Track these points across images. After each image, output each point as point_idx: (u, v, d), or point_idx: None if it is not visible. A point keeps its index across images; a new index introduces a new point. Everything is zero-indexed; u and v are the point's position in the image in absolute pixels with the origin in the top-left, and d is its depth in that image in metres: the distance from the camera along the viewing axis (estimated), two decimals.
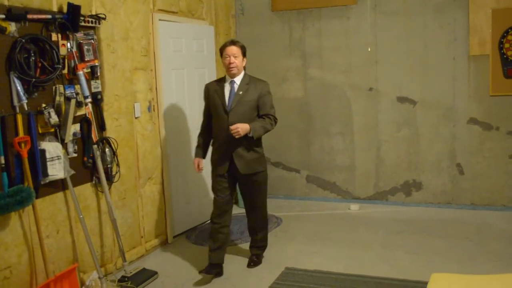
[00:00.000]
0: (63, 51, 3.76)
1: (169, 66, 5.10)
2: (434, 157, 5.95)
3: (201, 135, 4.41)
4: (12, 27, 3.39)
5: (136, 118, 4.63)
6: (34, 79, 3.48)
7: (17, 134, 3.42)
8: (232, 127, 3.93)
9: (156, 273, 4.30)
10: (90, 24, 4.03)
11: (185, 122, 5.39)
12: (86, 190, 4.08)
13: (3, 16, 3.30)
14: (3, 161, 3.29)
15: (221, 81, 4.28)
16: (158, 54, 4.92)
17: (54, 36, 3.71)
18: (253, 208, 4.41)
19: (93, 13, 4.11)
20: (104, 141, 4.18)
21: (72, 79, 3.87)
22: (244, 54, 4.21)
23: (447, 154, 5.90)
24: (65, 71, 3.79)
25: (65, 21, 3.75)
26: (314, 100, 6.38)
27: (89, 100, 3.92)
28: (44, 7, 3.67)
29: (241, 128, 3.93)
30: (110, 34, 4.30)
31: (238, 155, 4.12)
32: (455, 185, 5.90)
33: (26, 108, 3.45)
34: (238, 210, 6.22)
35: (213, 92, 4.23)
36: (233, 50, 4.11)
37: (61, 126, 3.75)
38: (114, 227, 4.18)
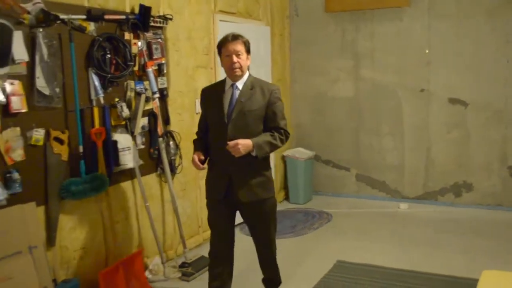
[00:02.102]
0: (134, 49, 4.04)
1: None
2: (485, 159, 5.98)
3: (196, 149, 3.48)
4: (91, 26, 3.68)
5: (197, 113, 4.87)
6: (109, 75, 3.76)
7: (93, 125, 3.71)
8: (230, 143, 3.08)
9: None
10: (158, 24, 4.30)
11: None
12: (151, 179, 4.35)
13: (84, 17, 3.58)
14: (81, 150, 3.58)
15: (220, 85, 3.38)
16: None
17: (126, 35, 3.99)
18: (259, 242, 3.55)
19: (161, 13, 4.37)
20: (169, 134, 4.44)
21: (142, 76, 4.14)
22: (248, 51, 3.30)
23: (498, 156, 5.91)
24: (136, 68, 4.07)
25: (137, 21, 4.02)
26: (365, 100, 6.49)
27: (157, 95, 4.19)
28: (118, 8, 3.95)
29: (241, 145, 3.07)
30: (175, 34, 4.56)
31: (238, 177, 3.24)
32: (506, 187, 5.91)
33: (102, 102, 3.74)
34: (289, 206, 6.42)
35: (209, 98, 3.40)
36: (236, 46, 3.21)
37: (131, 119, 4.02)
38: (176, 215, 4.43)
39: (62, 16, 3.37)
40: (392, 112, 6.36)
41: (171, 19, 4.41)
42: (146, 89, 4.14)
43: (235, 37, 3.25)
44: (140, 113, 4.05)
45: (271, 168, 3.45)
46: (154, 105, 4.24)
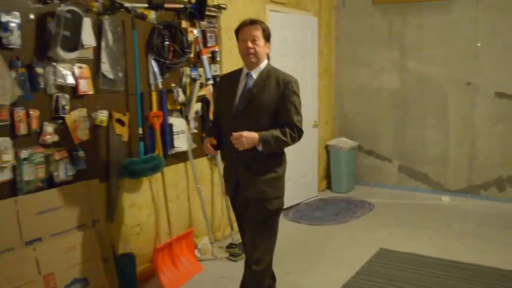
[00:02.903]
0: (190, 37, 4.21)
1: (276, 54, 5.41)
2: None
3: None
4: (151, 15, 3.86)
5: None
6: (167, 61, 3.95)
7: (151, 109, 3.90)
8: (234, 135, 2.84)
9: None
10: (213, 13, 4.46)
11: None
12: (202, 163, 4.53)
13: (146, 5, 3.76)
14: (140, 132, 3.78)
15: (236, 73, 3.13)
16: None
17: (183, 24, 4.16)
18: (249, 250, 3.08)
19: (216, 3, 4.52)
20: None
21: (196, 63, 4.31)
22: (267, 38, 3.03)
23: None
24: (192, 55, 4.24)
25: (194, 10, 4.18)
26: (411, 92, 6.52)
27: (210, 82, 4.35)
28: None
29: (246, 138, 2.82)
30: (228, 23, 4.71)
31: (245, 171, 2.99)
32: None
33: (159, 87, 3.93)
34: (331, 194, 6.53)
35: (224, 86, 3.19)
36: (252, 31, 2.96)
37: (186, 104, 4.20)
38: (224, 198, 4.60)
39: (126, 4, 3.56)
40: (437, 105, 6.37)
41: (225, 8, 4.56)
42: (200, 76, 4.31)
43: (253, 22, 3.00)
44: (194, 98, 4.22)
45: (284, 164, 3.12)
46: (207, 91, 4.41)
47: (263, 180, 2.97)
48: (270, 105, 2.94)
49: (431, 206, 6.01)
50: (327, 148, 6.69)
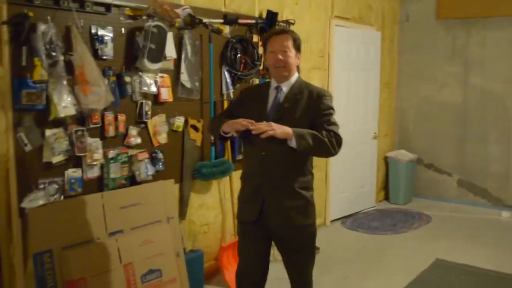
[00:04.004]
0: (260, 50, 4.47)
1: (340, 67, 5.66)
2: None
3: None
4: (226, 29, 4.15)
5: None
6: (239, 73, 4.23)
7: None
8: (261, 124, 2.58)
9: (318, 248, 4.86)
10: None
11: (350, 118, 5.91)
12: None
13: (222, 21, 4.06)
14: (212, 138, 4.07)
15: (265, 87, 2.91)
16: (332, 56, 5.51)
17: (254, 38, 4.43)
18: (293, 277, 2.98)
19: (284, 19, 4.78)
20: None
21: (265, 75, 4.57)
22: (298, 49, 2.81)
23: None
24: (261, 67, 4.50)
25: (264, 25, 4.45)
26: (473, 107, 6.55)
27: None
28: (249, 13, 4.41)
29: (277, 126, 2.58)
30: None
31: (271, 196, 2.74)
32: None
33: (231, 96, 4.21)
34: (388, 206, 6.64)
35: (251, 99, 2.93)
36: (283, 41, 2.74)
37: None
38: None
39: (204, 20, 3.86)
40: (500, 121, 6.37)
41: (293, 23, 4.80)
42: None
43: (283, 31, 2.83)
44: None
45: (313, 189, 2.86)
46: None
47: (292, 207, 2.74)
48: (303, 121, 2.70)
49: (490, 221, 6.02)
50: (386, 160, 6.81)
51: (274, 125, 2.57)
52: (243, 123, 2.64)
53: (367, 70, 6.16)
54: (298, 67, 2.88)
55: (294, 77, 2.82)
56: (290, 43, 2.74)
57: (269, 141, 2.61)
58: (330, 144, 2.64)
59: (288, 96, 2.78)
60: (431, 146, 6.85)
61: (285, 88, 2.80)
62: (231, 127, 2.73)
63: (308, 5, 5.14)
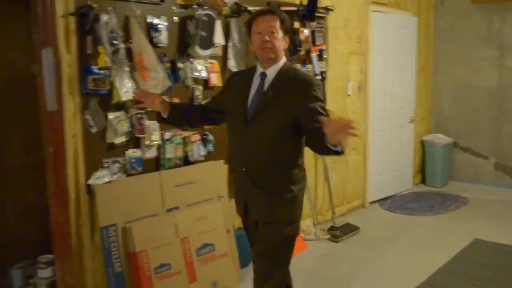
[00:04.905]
0: (302, 36, 4.64)
1: (376, 52, 5.78)
2: None
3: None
4: None
5: (348, 95, 5.39)
6: None
7: None
8: (344, 120, 2.18)
9: (358, 228, 5.05)
10: (321, 15, 4.86)
11: (387, 102, 6.04)
12: (307, 151, 4.93)
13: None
14: None
15: (250, 72, 2.66)
16: (369, 41, 5.64)
17: (296, 24, 4.59)
18: (257, 282, 2.63)
19: (323, 5, 4.93)
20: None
21: (305, 60, 4.74)
22: (286, 31, 2.56)
23: None
24: (302, 52, 4.67)
25: (305, 12, 4.61)
26: (508, 90, 6.58)
27: (318, 77, 4.76)
28: (291, 1, 4.57)
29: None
30: (334, 23, 5.10)
31: (255, 188, 2.56)
32: None
33: None
34: (425, 188, 6.75)
35: (234, 86, 2.71)
36: (270, 21, 2.49)
37: None
38: (328, 184, 5.01)
39: (249, 8, 4.04)
40: None
41: (332, 10, 4.95)
42: (309, 72, 4.73)
43: (269, 11, 2.56)
44: None
45: (302, 183, 2.64)
46: None
47: (277, 201, 2.53)
48: (288, 113, 2.45)
49: None
50: (422, 144, 6.90)
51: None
52: (139, 97, 2.84)
53: (404, 55, 6.26)
54: (285, 52, 2.62)
55: (282, 62, 2.57)
56: (277, 24, 2.50)
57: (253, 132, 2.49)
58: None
59: (273, 83, 2.52)
60: (467, 129, 6.92)
61: (270, 74, 2.54)
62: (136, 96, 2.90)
63: None
